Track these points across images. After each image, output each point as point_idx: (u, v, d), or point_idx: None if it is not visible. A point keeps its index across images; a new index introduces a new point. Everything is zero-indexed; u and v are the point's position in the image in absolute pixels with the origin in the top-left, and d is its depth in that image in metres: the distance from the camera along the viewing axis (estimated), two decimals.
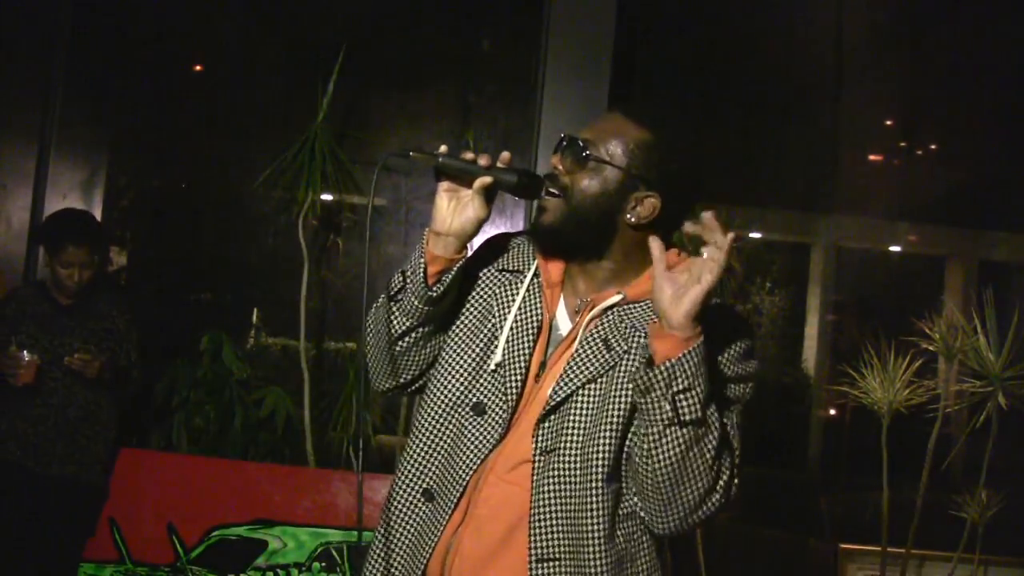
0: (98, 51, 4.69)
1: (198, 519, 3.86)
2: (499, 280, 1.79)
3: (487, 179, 1.69)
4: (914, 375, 3.66)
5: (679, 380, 1.53)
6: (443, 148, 1.71)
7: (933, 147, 5.74)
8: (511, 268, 1.80)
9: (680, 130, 1.77)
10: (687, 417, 1.54)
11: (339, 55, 4.23)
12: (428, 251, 1.72)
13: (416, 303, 1.72)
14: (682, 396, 1.54)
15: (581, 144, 1.70)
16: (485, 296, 1.78)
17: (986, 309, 3.62)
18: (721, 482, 1.62)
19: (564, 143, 1.72)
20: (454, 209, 1.70)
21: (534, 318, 1.74)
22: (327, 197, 4.29)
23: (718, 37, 5.13)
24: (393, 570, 1.73)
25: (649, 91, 5.00)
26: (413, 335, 1.77)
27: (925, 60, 5.38)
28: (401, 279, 1.74)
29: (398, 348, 1.78)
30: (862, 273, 5.95)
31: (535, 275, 1.77)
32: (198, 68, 5.09)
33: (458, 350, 1.76)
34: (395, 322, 1.75)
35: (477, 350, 1.75)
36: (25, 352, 3.45)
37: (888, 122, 5.60)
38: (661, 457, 1.58)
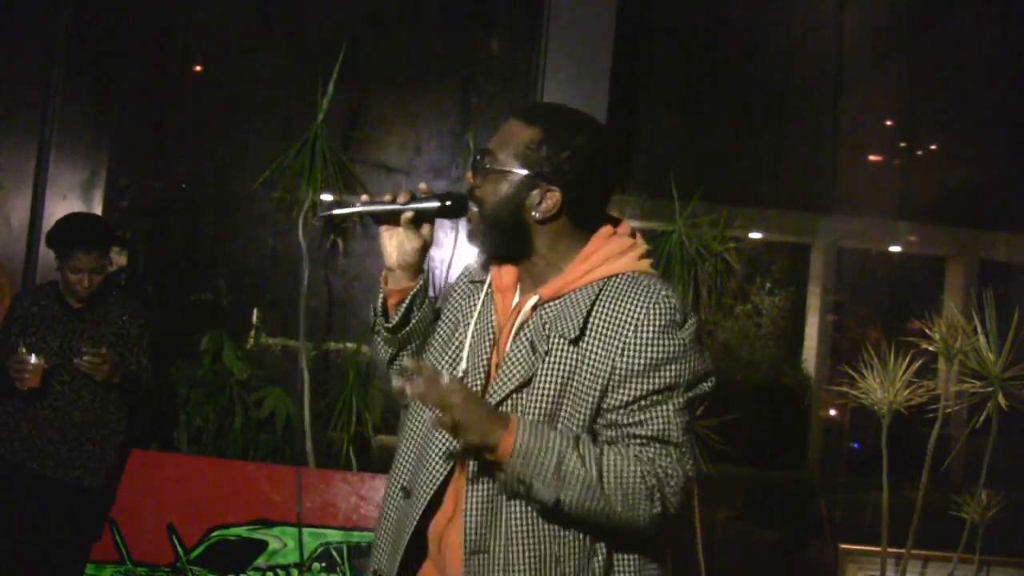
0: (98, 51, 4.69)
1: (198, 519, 3.86)
2: (466, 291, 1.93)
3: (409, 213, 1.85)
4: (914, 375, 3.65)
5: (523, 474, 1.65)
6: (364, 197, 1.89)
7: (933, 147, 5.73)
8: (476, 279, 1.93)
9: (575, 118, 1.81)
10: (547, 498, 1.65)
11: (339, 55, 4.22)
12: (384, 287, 1.91)
13: (386, 334, 1.92)
14: (528, 484, 1.65)
15: (480, 157, 1.82)
16: (456, 307, 1.92)
17: (986, 309, 3.61)
18: (643, 495, 1.66)
19: (475, 158, 1.84)
20: (396, 245, 1.88)
21: (488, 325, 1.84)
22: (327, 197, 4.29)
23: (718, 37, 5.13)
24: (378, 554, 1.87)
25: (649, 91, 5.00)
26: (403, 356, 1.96)
27: (925, 60, 5.38)
28: (373, 314, 1.95)
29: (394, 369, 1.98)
30: (862, 273, 5.94)
31: (490, 283, 1.89)
32: (198, 68, 5.09)
33: (433, 358, 1.89)
34: (381, 351, 1.98)
35: (448, 358, 1.87)
36: (32, 356, 3.43)
37: (888, 122, 5.60)
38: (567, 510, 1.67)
